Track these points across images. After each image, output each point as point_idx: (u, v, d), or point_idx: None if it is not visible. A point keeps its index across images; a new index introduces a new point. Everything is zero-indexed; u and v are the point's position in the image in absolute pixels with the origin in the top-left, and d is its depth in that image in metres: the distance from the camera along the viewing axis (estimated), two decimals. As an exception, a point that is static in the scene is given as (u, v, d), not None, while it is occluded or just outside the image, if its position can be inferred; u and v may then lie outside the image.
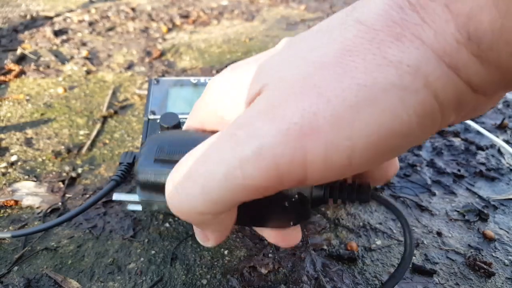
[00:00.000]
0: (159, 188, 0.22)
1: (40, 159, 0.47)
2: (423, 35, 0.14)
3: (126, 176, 0.37)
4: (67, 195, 0.42)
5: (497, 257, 0.36)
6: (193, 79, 0.43)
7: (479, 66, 0.14)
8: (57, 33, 0.86)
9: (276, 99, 0.15)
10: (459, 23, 0.14)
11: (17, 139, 0.50)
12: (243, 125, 0.16)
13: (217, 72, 0.72)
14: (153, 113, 0.39)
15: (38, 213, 0.39)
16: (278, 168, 0.15)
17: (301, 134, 0.14)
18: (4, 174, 0.44)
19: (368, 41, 0.15)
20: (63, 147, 0.49)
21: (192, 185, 0.17)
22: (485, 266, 0.34)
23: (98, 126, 0.53)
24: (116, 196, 0.28)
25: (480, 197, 0.43)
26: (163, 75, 0.70)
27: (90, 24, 0.94)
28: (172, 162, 0.21)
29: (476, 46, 0.14)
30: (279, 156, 0.14)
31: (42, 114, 0.56)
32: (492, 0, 0.13)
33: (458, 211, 0.41)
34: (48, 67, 0.70)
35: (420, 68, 0.14)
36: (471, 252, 0.36)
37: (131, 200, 0.27)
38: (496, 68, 0.14)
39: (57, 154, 0.48)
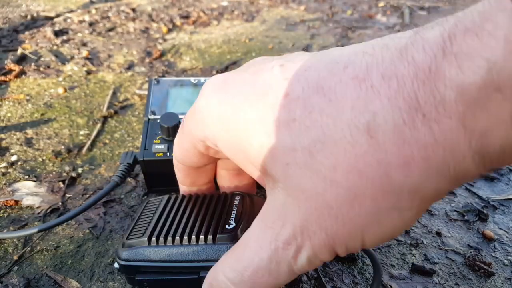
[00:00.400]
0: None
1: (40, 159, 0.47)
2: (431, 155, 0.15)
3: (126, 176, 0.37)
4: (67, 195, 0.42)
5: (497, 257, 0.36)
6: (193, 79, 0.43)
7: (482, 169, 0.15)
8: (57, 33, 0.86)
9: (302, 216, 0.18)
10: (471, 140, 0.14)
11: (17, 139, 0.50)
12: (290, 241, 0.19)
13: (217, 72, 0.72)
14: (153, 113, 0.39)
15: (38, 213, 0.39)
16: (321, 262, 0.20)
17: (331, 246, 0.18)
18: (4, 174, 0.44)
19: (377, 161, 0.15)
20: (63, 147, 0.49)
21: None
22: (484, 266, 0.34)
23: (98, 126, 0.54)
24: (117, 265, 0.29)
25: (479, 197, 0.43)
26: (163, 75, 0.70)
27: (91, 24, 0.94)
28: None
29: (483, 158, 0.14)
30: (322, 259, 0.19)
31: (42, 114, 0.56)
32: (510, 117, 0.13)
33: (457, 211, 0.41)
34: (49, 67, 0.70)
35: (419, 191, 0.16)
36: (471, 252, 0.36)
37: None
38: (496, 166, 0.15)
39: (57, 154, 0.48)
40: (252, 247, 0.20)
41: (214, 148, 0.23)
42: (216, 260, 0.24)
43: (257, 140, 0.19)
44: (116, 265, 0.29)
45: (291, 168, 0.17)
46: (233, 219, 0.27)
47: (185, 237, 0.26)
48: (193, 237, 0.26)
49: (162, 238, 0.26)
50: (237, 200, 0.29)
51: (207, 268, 0.24)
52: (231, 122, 0.20)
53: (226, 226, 0.26)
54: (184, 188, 0.30)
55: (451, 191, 0.17)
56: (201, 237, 0.26)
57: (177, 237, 0.26)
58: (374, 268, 0.32)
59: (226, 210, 0.28)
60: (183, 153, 0.25)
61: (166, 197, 0.31)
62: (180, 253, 0.26)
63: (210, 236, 0.26)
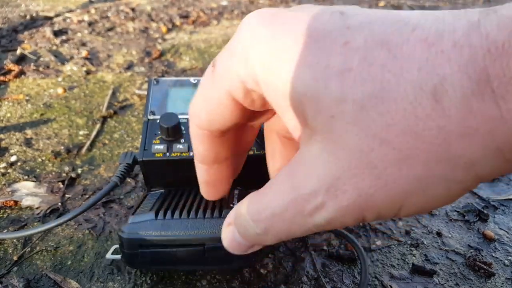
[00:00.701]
0: None
1: (39, 160, 0.47)
2: (496, 130, 0.14)
3: (125, 177, 0.37)
4: (67, 196, 0.42)
5: (497, 258, 0.36)
6: (193, 79, 0.43)
7: None
8: (56, 33, 0.86)
9: (335, 172, 0.17)
10: None
11: (17, 139, 0.50)
12: (309, 197, 0.18)
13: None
14: (153, 113, 0.39)
15: (38, 213, 0.39)
16: (343, 225, 0.18)
17: (360, 209, 0.17)
18: (3, 175, 0.44)
19: (438, 127, 0.15)
20: (62, 147, 0.49)
21: (271, 236, 0.21)
22: (485, 267, 0.34)
23: (97, 126, 0.53)
24: (109, 256, 0.31)
25: (480, 197, 0.43)
26: (162, 75, 0.69)
27: (90, 24, 0.94)
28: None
29: None
30: (344, 222, 0.18)
31: (41, 114, 0.56)
32: None
33: (458, 211, 0.41)
34: (48, 67, 0.70)
35: (475, 164, 0.15)
36: (471, 252, 0.36)
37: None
38: None
39: (56, 154, 0.48)
40: (272, 192, 0.20)
41: (254, 90, 0.20)
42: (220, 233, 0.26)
43: (302, 86, 0.17)
44: (108, 255, 0.30)
45: (336, 122, 0.16)
46: (236, 200, 0.29)
47: (192, 212, 0.28)
48: (200, 211, 0.28)
49: (170, 212, 0.28)
50: (236, 190, 0.31)
51: (212, 240, 0.26)
52: (278, 60, 0.18)
53: (231, 205, 0.29)
54: (203, 167, 0.27)
55: (497, 178, 0.17)
56: (208, 211, 0.28)
57: (185, 211, 0.28)
58: (361, 264, 0.33)
59: (228, 196, 0.30)
60: (212, 109, 0.23)
61: (166, 189, 0.33)
62: (186, 226, 0.27)
63: (216, 211, 0.28)
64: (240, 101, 0.21)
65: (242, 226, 0.21)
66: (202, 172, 0.27)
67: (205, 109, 0.23)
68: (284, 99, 0.19)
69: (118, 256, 0.30)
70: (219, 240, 0.26)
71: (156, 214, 0.28)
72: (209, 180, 0.27)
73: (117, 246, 0.31)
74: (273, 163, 0.28)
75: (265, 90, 0.19)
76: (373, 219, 0.18)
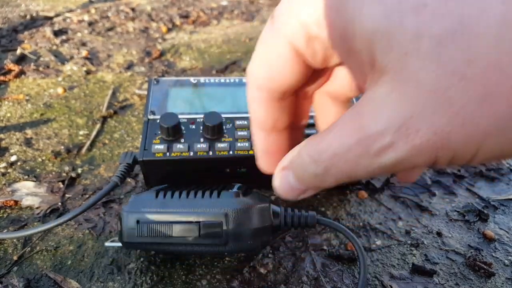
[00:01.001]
0: None
1: (39, 159, 0.47)
2: None
3: (125, 177, 0.37)
4: (67, 195, 0.42)
5: (497, 257, 0.36)
6: (193, 79, 0.43)
7: None
8: (56, 33, 0.86)
9: (408, 110, 0.16)
10: None
11: (17, 139, 0.50)
12: (377, 136, 0.17)
13: (217, 72, 0.71)
14: (153, 113, 0.39)
15: (38, 213, 0.39)
16: (412, 166, 0.17)
17: (434, 148, 0.16)
18: (4, 174, 0.44)
19: None
20: (62, 147, 0.49)
21: (331, 176, 0.20)
22: (485, 266, 0.34)
23: (97, 126, 0.53)
24: (108, 244, 0.33)
25: (480, 197, 0.43)
26: (163, 75, 0.69)
27: (90, 24, 0.94)
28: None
29: None
30: (414, 163, 0.17)
31: (41, 114, 0.56)
32: None
33: (458, 211, 0.41)
34: (48, 67, 0.70)
35: None
36: (471, 252, 0.36)
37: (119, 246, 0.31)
38: None
39: (56, 154, 0.48)
40: (335, 132, 0.19)
41: (317, 36, 0.20)
42: (218, 212, 0.27)
43: (373, 23, 0.16)
44: (107, 243, 0.32)
45: (410, 59, 0.16)
46: (236, 187, 0.31)
47: (192, 193, 0.29)
48: (200, 192, 0.29)
49: (170, 192, 0.30)
50: (237, 184, 0.32)
51: (209, 216, 0.27)
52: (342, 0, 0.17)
53: (230, 190, 0.30)
54: (262, 134, 0.26)
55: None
56: (207, 193, 0.29)
57: (184, 192, 0.29)
58: (351, 242, 0.33)
59: (228, 186, 0.32)
60: (272, 64, 0.22)
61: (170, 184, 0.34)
62: (184, 204, 0.29)
63: (215, 192, 0.29)
64: (302, 51, 0.21)
65: (300, 166, 0.21)
66: (261, 140, 0.26)
67: (264, 65, 0.22)
68: (351, 39, 0.18)
69: (117, 244, 0.31)
70: (215, 217, 0.28)
71: (157, 194, 0.29)
72: (268, 148, 0.26)
73: (116, 237, 0.32)
74: (324, 124, 0.27)
75: (330, 32, 0.19)
76: (446, 162, 0.16)
